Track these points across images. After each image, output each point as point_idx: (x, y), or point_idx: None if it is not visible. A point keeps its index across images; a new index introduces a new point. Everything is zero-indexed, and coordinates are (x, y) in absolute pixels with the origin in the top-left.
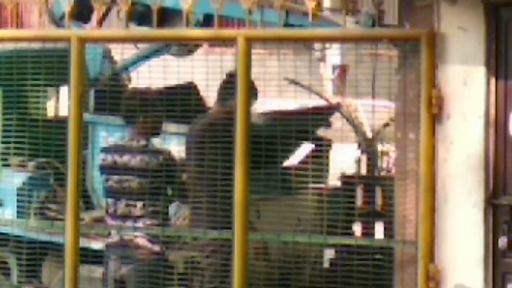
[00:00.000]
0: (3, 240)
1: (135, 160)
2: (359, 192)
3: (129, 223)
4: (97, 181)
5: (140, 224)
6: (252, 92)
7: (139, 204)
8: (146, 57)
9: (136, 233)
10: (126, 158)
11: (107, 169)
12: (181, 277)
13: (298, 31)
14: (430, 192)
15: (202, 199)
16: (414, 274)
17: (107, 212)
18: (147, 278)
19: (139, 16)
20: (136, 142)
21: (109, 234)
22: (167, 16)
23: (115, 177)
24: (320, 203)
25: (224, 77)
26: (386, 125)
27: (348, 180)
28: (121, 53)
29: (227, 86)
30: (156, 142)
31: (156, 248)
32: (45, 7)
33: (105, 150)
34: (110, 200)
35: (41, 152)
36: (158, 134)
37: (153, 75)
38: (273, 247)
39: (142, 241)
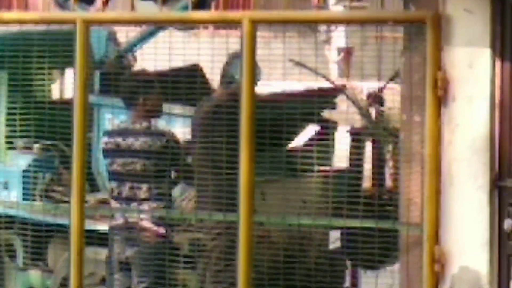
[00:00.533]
0: (8, 223)
1: (138, 143)
2: (368, 145)
3: (134, 206)
4: (102, 163)
5: (145, 206)
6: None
7: (144, 186)
8: (151, 33)
9: (141, 216)
10: (129, 140)
11: (111, 152)
12: (186, 259)
13: (304, 13)
14: (436, 175)
15: (207, 181)
16: (419, 257)
17: (111, 195)
18: (152, 260)
19: None
20: (139, 125)
21: (113, 216)
22: None
23: (119, 160)
24: (325, 185)
25: (227, 58)
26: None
27: (357, 132)
28: (126, 35)
29: (230, 68)
30: (160, 124)
31: (161, 230)
32: None
33: (108, 133)
34: (114, 183)
35: (47, 135)
36: (159, 116)
37: (159, 57)
38: (278, 230)
39: (147, 223)
